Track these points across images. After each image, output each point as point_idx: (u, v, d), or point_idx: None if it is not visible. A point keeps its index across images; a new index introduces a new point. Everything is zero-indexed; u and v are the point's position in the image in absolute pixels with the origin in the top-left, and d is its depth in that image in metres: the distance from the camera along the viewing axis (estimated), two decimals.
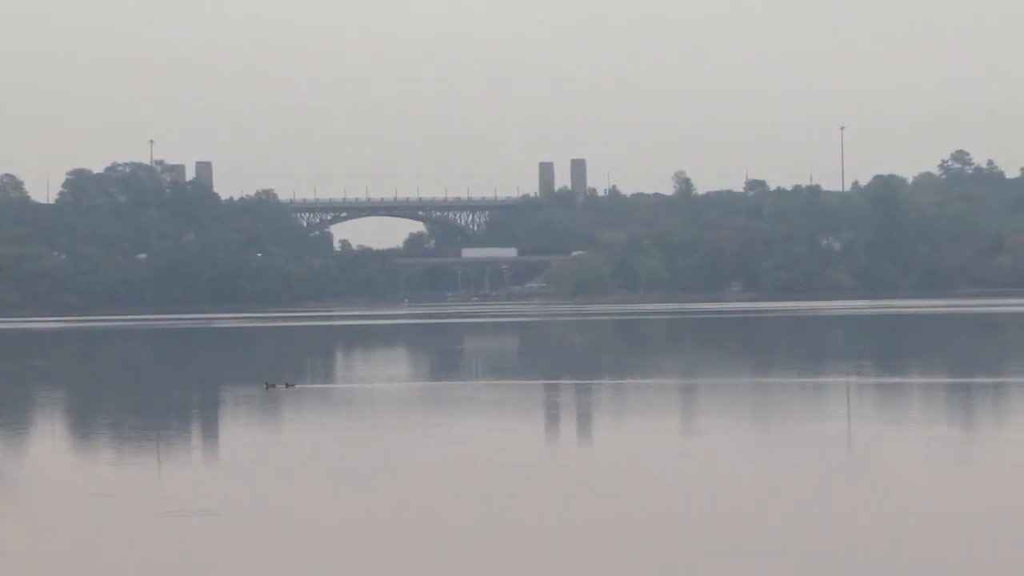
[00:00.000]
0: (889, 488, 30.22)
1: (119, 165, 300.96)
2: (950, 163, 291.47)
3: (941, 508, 26.95)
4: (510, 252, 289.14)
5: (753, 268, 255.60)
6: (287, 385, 53.65)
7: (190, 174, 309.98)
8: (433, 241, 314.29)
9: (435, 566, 21.78)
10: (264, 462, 37.49)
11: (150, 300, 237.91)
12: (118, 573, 21.79)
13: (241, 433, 44.57)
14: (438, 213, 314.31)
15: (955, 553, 21.84)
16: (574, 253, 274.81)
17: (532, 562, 21.56)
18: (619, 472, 34.01)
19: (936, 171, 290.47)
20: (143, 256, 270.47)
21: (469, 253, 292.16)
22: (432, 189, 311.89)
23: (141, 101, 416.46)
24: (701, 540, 23.50)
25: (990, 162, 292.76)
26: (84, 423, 51.00)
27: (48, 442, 45.50)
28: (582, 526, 25.04)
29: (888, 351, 79.94)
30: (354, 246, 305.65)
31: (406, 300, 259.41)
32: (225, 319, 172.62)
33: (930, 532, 24.12)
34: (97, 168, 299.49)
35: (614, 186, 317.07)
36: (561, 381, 61.60)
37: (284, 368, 67.62)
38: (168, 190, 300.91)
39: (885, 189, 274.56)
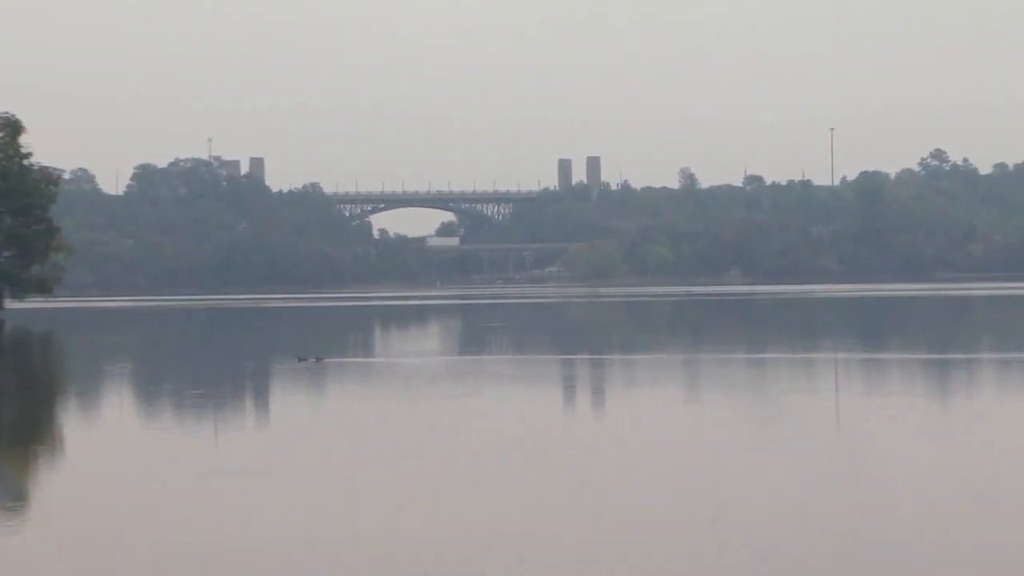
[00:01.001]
0: (864, 447, 30.44)
1: (181, 160, 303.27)
2: (929, 160, 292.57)
3: (906, 462, 27.34)
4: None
5: (751, 255, 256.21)
6: (317, 359, 53.49)
7: (244, 169, 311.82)
8: (462, 230, 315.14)
9: (458, 508, 22.34)
10: (296, 426, 37.34)
11: (208, 282, 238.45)
12: (175, 522, 21.45)
13: (274, 401, 44.54)
14: (467, 205, 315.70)
15: (915, 498, 22.29)
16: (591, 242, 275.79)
17: (541, 503, 22.31)
18: (619, 433, 34.78)
19: (916, 168, 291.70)
20: (200, 243, 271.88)
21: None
22: (461, 183, 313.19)
23: (200, 102, 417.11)
24: (684, 490, 23.77)
25: (965, 159, 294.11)
26: (150, 391, 50.98)
27: (118, 408, 45.45)
28: (585, 477, 25.57)
29: (870, 330, 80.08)
30: (391, 234, 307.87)
31: (438, 283, 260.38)
32: (274, 299, 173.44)
33: (895, 483, 24.33)
34: (161, 163, 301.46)
35: (626, 181, 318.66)
36: (576, 356, 61.76)
37: (322, 344, 67.62)
38: (224, 183, 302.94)
39: (870, 184, 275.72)
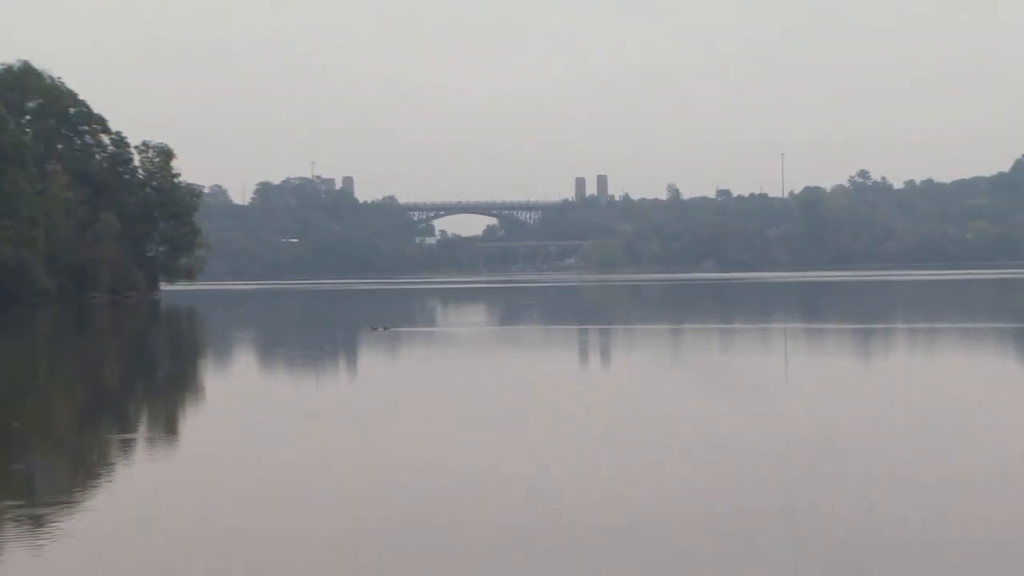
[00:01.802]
0: (795, 390, 30.38)
1: (291, 179, 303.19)
2: (855, 178, 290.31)
3: (822, 399, 27.16)
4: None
5: (721, 249, 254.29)
6: (384, 328, 53.65)
7: (338, 184, 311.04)
8: (503, 231, 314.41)
9: (496, 434, 22.86)
10: (372, 378, 37.69)
11: (310, 270, 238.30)
12: (284, 450, 21.76)
13: (356, 359, 44.34)
14: (506, 211, 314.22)
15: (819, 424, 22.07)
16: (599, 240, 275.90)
17: (559, 427, 22.59)
18: (616, 382, 34.81)
19: (846, 183, 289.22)
20: (295, 240, 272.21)
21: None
22: (502, 195, 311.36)
23: (305, 133, 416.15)
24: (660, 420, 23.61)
25: (883, 177, 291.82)
26: (267, 351, 51.30)
27: (243, 363, 45.75)
28: (585, 413, 25.45)
29: (809, 306, 79.91)
30: (449, 234, 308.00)
31: (484, 271, 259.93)
32: (359, 284, 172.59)
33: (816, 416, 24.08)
34: (276, 180, 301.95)
35: (626, 193, 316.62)
36: (588, 326, 61.60)
37: (392, 317, 67.58)
38: (323, 196, 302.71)
39: (811, 196, 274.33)
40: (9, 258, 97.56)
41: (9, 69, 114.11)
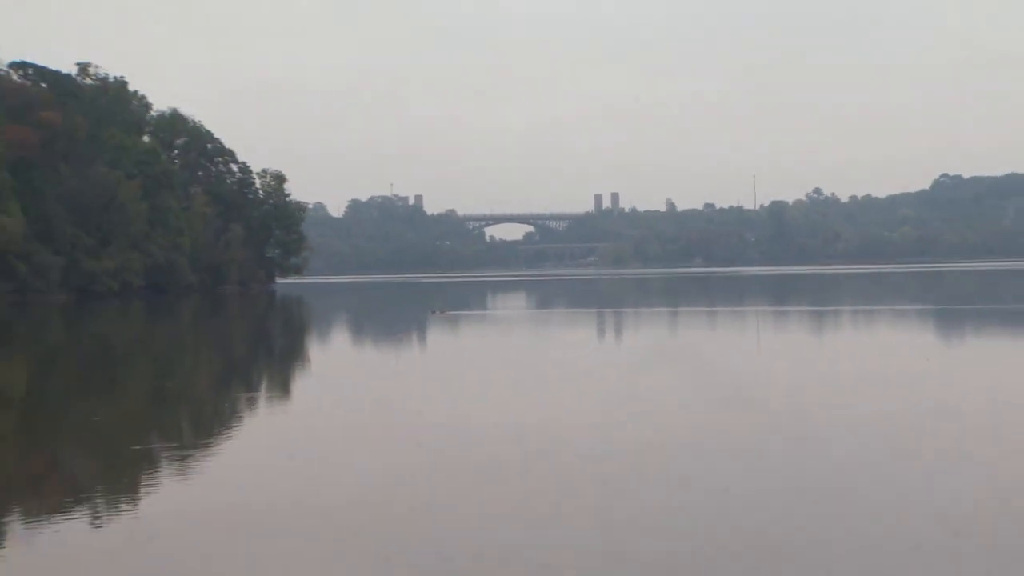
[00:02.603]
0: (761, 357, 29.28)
1: (375, 196, 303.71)
2: (811, 193, 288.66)
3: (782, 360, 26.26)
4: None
5: (708, 250, 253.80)
6: (441, 311, 53.73)
7: (411, 200, 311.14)
8: (538, 236, 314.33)
9: (536, 390, 22.27)
10: (436, 348, 37.73)
11: (389, 268, 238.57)
12: (377, 400, 21.87)
13: (423, 333, 44.34)
14: (540, 221, 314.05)
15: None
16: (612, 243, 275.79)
17: (571, 387, 21.88)
18: (619, 351, 34.22)
19: (804, 198, 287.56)
20: (385, 245, 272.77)
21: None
22: (537, 207, 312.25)
23: (387, 160, 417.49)
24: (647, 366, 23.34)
25: (832, 193, 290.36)
26: (357, 328, 51.33)
27: (340, 338, 45.96)
28: (596, 374, 24.98)
29: (778, 294, 79.67)
30: (496, 239, 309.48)
31: (523, 268, 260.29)
32: (426, 278, 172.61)
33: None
34: (363, 198, 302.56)
35: (634, 206, 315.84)
36: (604, 309, 61.49)
37: (449, 302, 67.87)
38: (399, 210, 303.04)
39: (777, 208, 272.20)
40: (162, 259, 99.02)
41: (163, 115, 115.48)
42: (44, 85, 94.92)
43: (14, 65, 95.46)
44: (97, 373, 31.10)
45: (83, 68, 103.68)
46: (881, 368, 26.51)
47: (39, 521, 11.31)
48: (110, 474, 14.13)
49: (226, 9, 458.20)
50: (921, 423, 16.99)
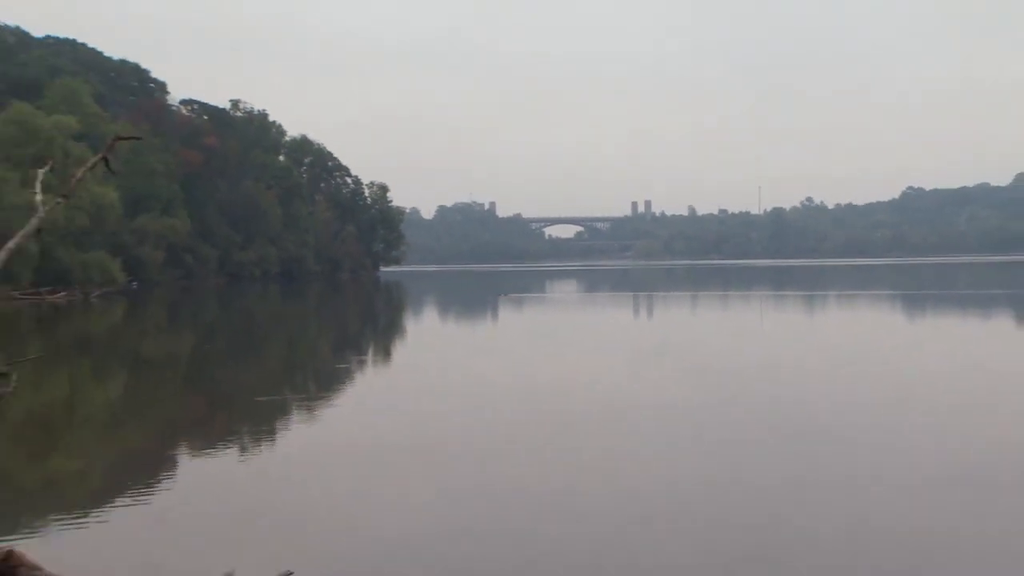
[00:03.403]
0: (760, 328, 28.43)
1: (458, 203, 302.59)
2: (804, 201, 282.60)
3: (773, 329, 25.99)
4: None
5: (721, 246, 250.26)
6: (507, 295, 53.61)
7: (487, 206, 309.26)
8: (587, 235, 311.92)
9: (584, 353, 21.85)
10: (504, 324, 37.44)
11: (468, 260, 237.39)
12: (454, 366, 21.77)
13: (495, 312, 44.25)
14: (589, 223, 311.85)
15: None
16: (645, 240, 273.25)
17: (611, 354, 21.45)
18: (657, 324, 33.56)
19: (799, 205, 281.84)
20: (465, 241, 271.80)
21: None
22: (587, 211, 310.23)
23: (469, 170, 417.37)
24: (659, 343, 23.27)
25: (822, 201, 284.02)
26: (441, 307, 50.73)
27: (429, 314, 45.56)
28: (631, 344, 24.53)
29: (777, 281, 78.51)
30: (553, 237, 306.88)
31: (575, 260, 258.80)
32: (500, 267, 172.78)
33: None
34: (449, 204, 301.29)
35: (663, 211, 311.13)
36: (638, 292, 60.82)
37: (515, 287, 68.07)
38: (477, 213, 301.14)
39: (777, 213, 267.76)
40: (293, 252, 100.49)
41: (294, 140, 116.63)
42: (206, 117, 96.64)
43: (184, 102, 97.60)
44: (242, 340, 31.66)
45: (235, 104, 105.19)
46: (864, 338, 26.09)
47: (201, 455, 11.70)
48: (253, 418, 14.40)
49: (341, 58, 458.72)
50: (893, 377, 16.60)
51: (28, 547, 5.33)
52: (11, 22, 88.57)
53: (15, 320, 36.69)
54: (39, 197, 7.39)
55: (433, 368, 21.23)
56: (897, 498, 8.48)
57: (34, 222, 7.24)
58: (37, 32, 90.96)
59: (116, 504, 8.86)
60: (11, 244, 6.89)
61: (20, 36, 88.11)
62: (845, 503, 8.30)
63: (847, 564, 6.62)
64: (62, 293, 53.87)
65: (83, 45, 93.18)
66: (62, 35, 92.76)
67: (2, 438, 12.08)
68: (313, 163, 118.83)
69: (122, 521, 8.22)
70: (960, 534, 7.42)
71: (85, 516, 8.35)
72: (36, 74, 76.76)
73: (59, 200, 7.71)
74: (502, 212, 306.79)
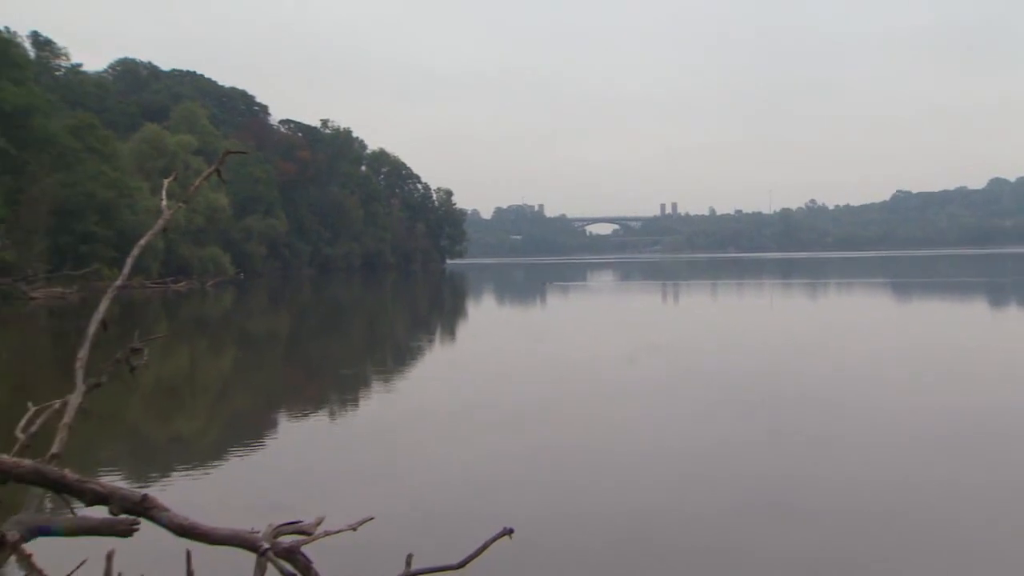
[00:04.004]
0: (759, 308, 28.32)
1: (512, 205, 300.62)
2: (808, 203, 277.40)
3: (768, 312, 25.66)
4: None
5: (737, 242, 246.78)
6: (550, 283, 53.31)
7: (535, 208, 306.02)
8: (622, 231, 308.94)
9: (614, 330, 21.34)
10: (549, 306, 37.18)
11: (521, 254, 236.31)
12: (507, 342, 21.64)
13: (542, 296, 43.97)
14: (623, 221, 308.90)
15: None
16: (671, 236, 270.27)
17: (637, 331, 20.97)
18: (675, 308, 32.90)
19: (803, 206, 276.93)
20: (517, 237, 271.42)
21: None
22: (622, 212, 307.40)
23: (522, 178, 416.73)
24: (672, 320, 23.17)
25: (823, 203, 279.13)
26: (496, 292, 50.48)
27: (487, 299, 45.06)
28: (654, 322, 24.20)
29: (787, 271, 77.06)
30: (592, 233, 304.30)
31: (611, 254, 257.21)
32: (545, 260, 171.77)
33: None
34: (504, 206, 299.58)
35: (688, 211, 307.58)
36: (666, 281, 59.91)
37: (557, 276, 67.78)
38: (528, 213, 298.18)
39: (786, 213, 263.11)
40: (372, 247, 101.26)
41: (374, 152, 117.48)
42: (300, 134, 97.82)
43: (282, 121, 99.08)
44: (330, 321, 31.98)
45: (324, 122, 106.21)
46: (852, 317, 25.48)
47: (297, 417, 11.85)
48: (339, 387, 14.52)
49: (415, 84, 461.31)
50: (875, 350, 16.17)
51: (158, 492, 5.45)
52: (144, 59, 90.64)
53: (146, 305, 37.54)
54: (164, 202, 7.53)
55: (491, 345, 21.17)
56: (871, 453, 8.35)
57: (160, 223, 7.36)
58: (164, 66, 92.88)
59: (228, 456, 9.04)
60: (142, 242, 7.06)
61: (151, 69, 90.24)
62: (836, 456, 8.21)
63: (838, 507, 6.61)
64: (183, 282, 54.95)
65: (200, 75, 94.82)
66: (184, 68, 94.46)
67: (136, 403, 12.39)
68: (390, 172, 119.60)
69: (233, 470, 8.36)
70: (927, 483, 7.38)
71: (204, 466, 8.51)
72: (163, 100, 78.57)
73: (180, 205, 7.83)
74: (549, 212, 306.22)
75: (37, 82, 49.81)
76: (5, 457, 4.75)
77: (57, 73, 70.41)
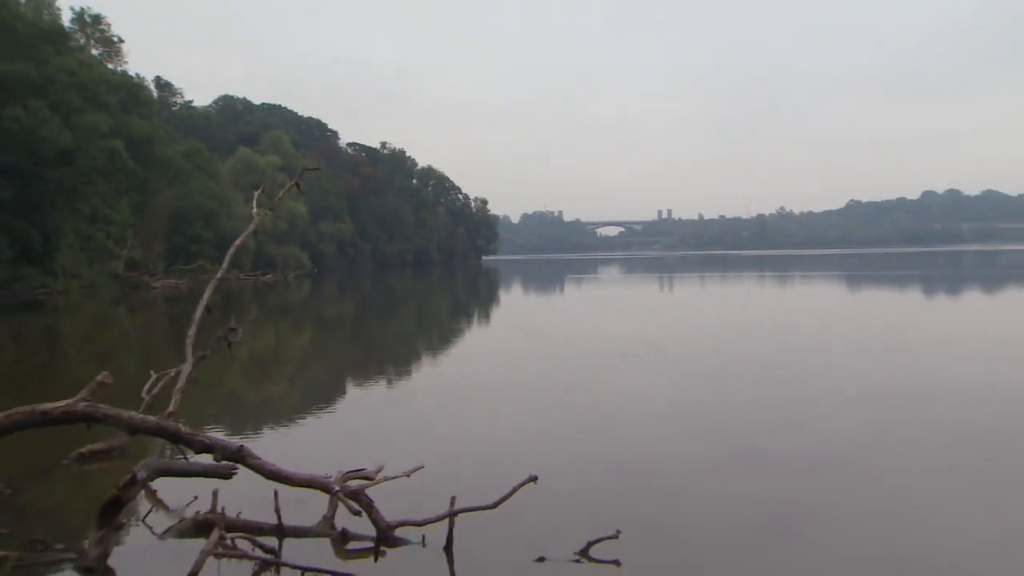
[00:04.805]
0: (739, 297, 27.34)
1: (536, 211, 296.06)
2: (780, 210, 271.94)
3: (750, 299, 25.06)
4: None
5: (721, 241, 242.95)
6: (569, 276, 52.63)
7: (556, 213, 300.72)
8: (627, 233, 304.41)
9: (617, 314, 20.89)
10: (567, 294, 36.60)
11: (548, 251, 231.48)
12: (531, 320, 21.32)
13: (563, 286, 43.62)
14: (628, 224, 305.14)
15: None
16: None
17: (632, 316, 20.63)
18: (673, 295, 32.41)
19: (775, 212, 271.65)
20: (540, 237, 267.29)
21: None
22: (627, 216, 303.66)
23: (544, 187, 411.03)
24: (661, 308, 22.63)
25: (790, 210, 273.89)
26: (524, 282, 49.87)
27: (516, 288, 44.13)
28: (652, 308, 23.80)
29: (761, 266, 75.74)
30: (602, 235, 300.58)
31: (618, 252, 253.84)
32: (562, 257, 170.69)
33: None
34: (530, 211, 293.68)
35: (680, 217, 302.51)
36: (663, 274, 58.99)
37: (576, 270, 67.20)
38: (549, 219, 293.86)
39: (761, 218, 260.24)
40: (421, 246, 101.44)
41: (423, 169, 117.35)
42: (363, 154, 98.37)
43: (349, 144, 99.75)
44: (387, 306, 32.02)
45: (383, 144, 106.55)
46: (812, 302, 25.06)
47: (362, 384, 11.90)
48: (395, 359, 14.41)
49: (458, 111, 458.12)
50: (828, 328, 15.99)
51: (251, 443, 5.53)
52: (240, 95, 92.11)
53: (240, 293, 37.99)
54: (255, 210, 7.70)
55: (519, 325, 20.94)
56: (826, 412, 8.15)
57: (251, 227, 7.54)
58: (256, 101, 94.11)
59: (306, 415, 8.95)
60: (238, 242, 7.27)
61: (246, 104, 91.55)
62: (799, 415, 8.04)
63: (801, 456, 6.58)
64: (269, 275, 55.69)
65: (285, 108, 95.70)
66: (272, 102, 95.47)
67: (234, 372, 12.52)
68: (436, 184, 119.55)
69: (310, 426, 8.31)
70: (865, 433, 7.34)
71: (287, 423, 8.47)
72: (255, 129, 79.70)
73: (267, 212, 7.98)
74: (567, 217, 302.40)
75: (158, 116, 51.59)
76: (134, 414, 4.90)
77: (174, 108, 72.50)
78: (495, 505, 4.89)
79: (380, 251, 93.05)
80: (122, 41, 48.47)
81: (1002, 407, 8.46)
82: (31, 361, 14.14)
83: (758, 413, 8.45)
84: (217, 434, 6.18)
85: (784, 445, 6.98)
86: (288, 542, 4.59)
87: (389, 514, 4.78)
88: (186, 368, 6.91)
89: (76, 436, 5.72)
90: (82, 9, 47.05)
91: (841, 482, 5.80)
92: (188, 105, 76.41)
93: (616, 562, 4.18)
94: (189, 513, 5.00)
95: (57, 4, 44.08)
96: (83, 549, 4.18)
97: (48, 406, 4.50)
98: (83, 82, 33.62)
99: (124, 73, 47.90)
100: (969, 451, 6.65)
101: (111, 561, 4.17)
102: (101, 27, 47.23)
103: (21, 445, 5.06)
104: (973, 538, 4.61)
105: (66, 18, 44.84)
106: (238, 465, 4.59)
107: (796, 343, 14.68)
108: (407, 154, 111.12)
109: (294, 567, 4.04)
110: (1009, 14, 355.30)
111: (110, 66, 45.93)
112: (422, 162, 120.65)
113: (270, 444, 7.14)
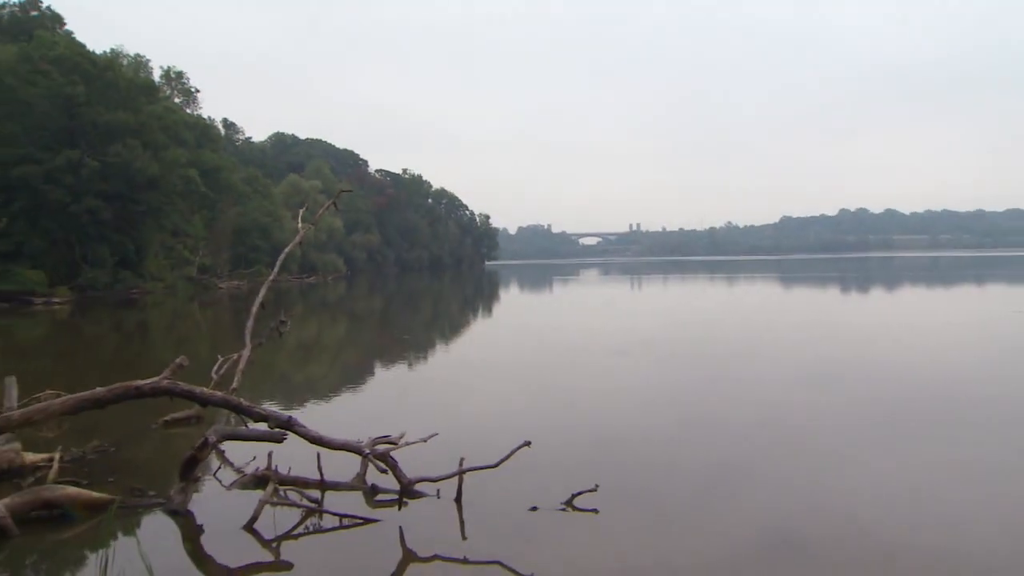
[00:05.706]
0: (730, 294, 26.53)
1: (530, 224, 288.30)
2: (725, 225, 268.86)
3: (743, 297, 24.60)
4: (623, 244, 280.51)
5: (680, 249, 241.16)
6: (556, 277, 51.52)
7: (546, 225, 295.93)
8: (604, 242, 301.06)
9: (609, 312, 20.41)
10: (562, 292, 35.67)
11: (539, 257, 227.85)
12: (528, 317, 20.98)
13: (552, 286, 42.84)
14: (604, 235, 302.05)
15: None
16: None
17: (611, 313, 20.15)
18: (649, 294, 31.22)
19: (723, 226, 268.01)
20: (529, 246, 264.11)
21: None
22: (604, 228, 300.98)
23: (541, 204, 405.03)
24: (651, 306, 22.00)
25: (735, 224, 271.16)
26: (521, 282, 48.54)
27: (513, 288, 42.70)
28: (627, 306, 23.13)
29: (712, 269, 74.86)
30: (583, 244, 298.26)
31: (598, 258, 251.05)
32: (551, 262, 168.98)
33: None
34: (525, 224, 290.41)
35: (648, 229, 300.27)
36: (643, 275, 57.69)
37: (562, 273, 66.55)
38: (540, 230, 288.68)
39: (711, 231, 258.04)
40: (436, 253, 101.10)
41: (437, 190, 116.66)
42: (388, 178, 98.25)
43: (376, 170, 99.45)
44: (406, 302, 31.65)
45: (404, 170, 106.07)
46: (761, 297, 24.94)
47: (386, 366, 11.73)
48: (414, 347, 14.22)
49: (463, 142, 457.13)
50: (765, 319, 15.82)
51: (298, 414, 5.57)
52: (289, 131, 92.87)
53: (288, 292, 37.89)
54: (300, 225, 7.74)
55: (516, 317, 20.86)
56: (765, 387, 8.10)
57: (297, 238, 7.62)
58: (302, 136, 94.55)
59: (342, 392, 8.94)
60: (287, 250, 7.36)
61: (294, 139, 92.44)
62: (745, 391, 7.98)
63: (744, 422, 6.47)
64: (312, 277, 55.73)
65: (324, 141, 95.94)
66: (314, 136, 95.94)
67: (283, 356, 12.46)
68: (447, 203, 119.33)
69: (345, 401, 8.25)
70: (794, 404, 7.32)
71: (327, 398, 8.42)
72: (301, 159, 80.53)
73: (310, 226, 8.04)
74: (555, 229, 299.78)
75: (225, 150, 54.32)
76: (205, 390, 5.06)
77: (237, 143, 74.54)
78: (496, 465, 4.97)
79: (402, 257, 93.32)
80: (198, 91, 52.26)
81: (908, 380, 8.59)
82: (129, 348, 14.31)
83: (713, 388, 8.42)
84: (271, 407, 6.22)
85: (734, 414, 6.95)
86: (328, 494, 4.81)
87: (410, 472, 4.79)
88: (246, 353, 6.98)
89: (162, 407, 5.94)
90: (168, 67, 50.62)
91: (779, 443, 5.85)
92: (248, 140, 78.86)
93: (595, 510, 4.28)
94: (249, 469, 5.15)
95: (151, 64, 46.64)
96: (169, 496, 4.41)
97: (140, 383, 4.71)
98: (168, 124, 35.56)
99: (199, 116, 50.24)
100: (880, 415, 6.70)
101: (191, 506, 4.38)
102: (182, 81, 51.18)
103: (121, 413, 5.36)
104: (886, 483, 4.73)
105: (156, 75, 47.70)
106: (288, 432, 4.75)
107: (742, 331, 14.47)
108: (424, 178, 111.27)
109: (334, 514, 4.23)
110: (894, 65, 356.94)
111: (188, 111, 49.01)
112: (436, 184, 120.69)
113: (313, 415, 7.10)
